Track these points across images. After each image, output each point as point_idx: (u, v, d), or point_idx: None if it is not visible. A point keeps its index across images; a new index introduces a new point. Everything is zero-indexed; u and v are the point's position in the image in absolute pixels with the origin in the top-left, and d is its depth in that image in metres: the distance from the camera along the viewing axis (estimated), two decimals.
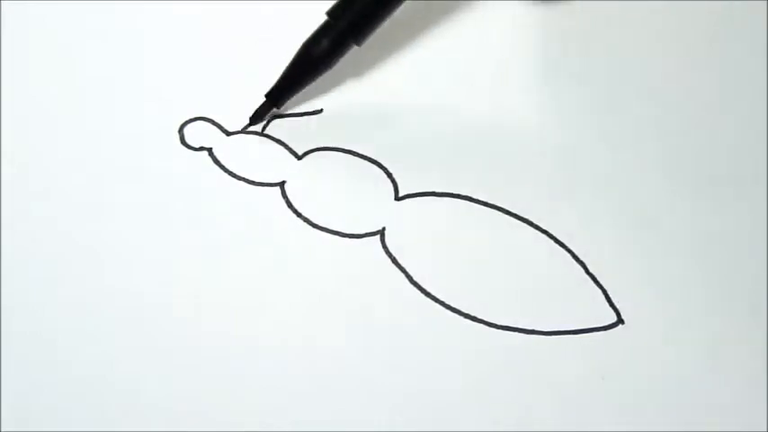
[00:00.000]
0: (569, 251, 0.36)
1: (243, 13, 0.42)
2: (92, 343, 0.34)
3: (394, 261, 0.36)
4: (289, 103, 0.40)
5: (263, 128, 0.39)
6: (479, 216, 0.37)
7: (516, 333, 0.35)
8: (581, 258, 0.36)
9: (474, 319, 0.35)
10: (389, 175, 0.38)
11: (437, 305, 0.35)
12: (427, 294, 0.36)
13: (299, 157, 0.39)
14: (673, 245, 0.36)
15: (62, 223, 0.37)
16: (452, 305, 0.35)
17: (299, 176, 0.38)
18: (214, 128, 0.39)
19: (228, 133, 0.39)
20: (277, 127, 0.39)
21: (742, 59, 0.41)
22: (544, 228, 0.37)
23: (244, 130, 0.39)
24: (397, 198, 0.38)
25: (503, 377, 0.34)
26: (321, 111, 0.40)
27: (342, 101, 0.38)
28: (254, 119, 0.39)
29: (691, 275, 0.36)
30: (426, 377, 0.34)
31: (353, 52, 0.39)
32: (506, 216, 0.37)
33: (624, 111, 0.40)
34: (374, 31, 0.38)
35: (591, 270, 0.36)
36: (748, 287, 0.35)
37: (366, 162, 0.38)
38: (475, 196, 0.37)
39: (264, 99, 0.39)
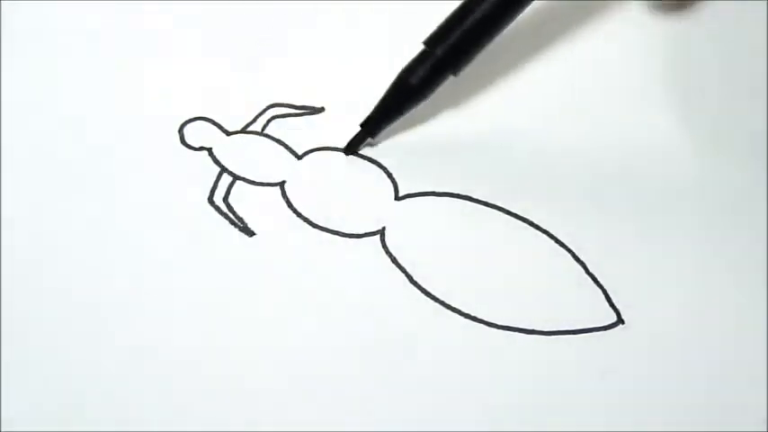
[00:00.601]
0: (569, 251, 0.36)
1: (243, 12, 0.42)
2: (92, 343, 0.34)
3: (394, 261, 0.36)
4: (288, 100, 0.40)
5: (263, 128, 0.39)
6: (479, 216, 0.37)
7: (516, 333, 0.35)
8: (581, 258, 0.36)
9: (474, 319, 0.35)
10: (389, 175, 0.38)
11: (437, 305, 0.35)
12: (427, 294, 0.36)
13: (299, 157, 0.39)
14: (673, 245, 0.36)
15: (62, 223, 0.37)
16: (452, 305, 0.35)
17: (299, 176, 0.38)
18: (214, 128, 0.39)
19: (228, 133, 0.39)
20: (277, 127, 0.39)
21: (742, 59, 0.41)
22: (544, 228, 0.37)
23: (244, 130, 0.39)
24: (397, 198, 0.38)
25: (503, 377, 0.34)
26: (322, 110, 0.40)
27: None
28: (349, 149, 0.38)
29: (691, 275, 0.36)
30: (426, 377, 0.34)
31: (450, 82, 0.38)
32: (506, 216, 0.37)
33: (622, 109, 0.40)
34: (471, 61, 0.38)
35: (591, 270, 0.36)
36: (748, 287, 0.35)
37: (366, 162, 0.38)
38: (475, 196, 0.37)
39: (359, 128, 0.38)
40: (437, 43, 0.37)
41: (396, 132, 0.39)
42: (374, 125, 0.38)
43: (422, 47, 0.37)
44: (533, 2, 0.37)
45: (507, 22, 0.37)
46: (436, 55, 0.37)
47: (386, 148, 0.39)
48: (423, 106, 0.38)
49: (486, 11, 0.37)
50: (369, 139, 0.38)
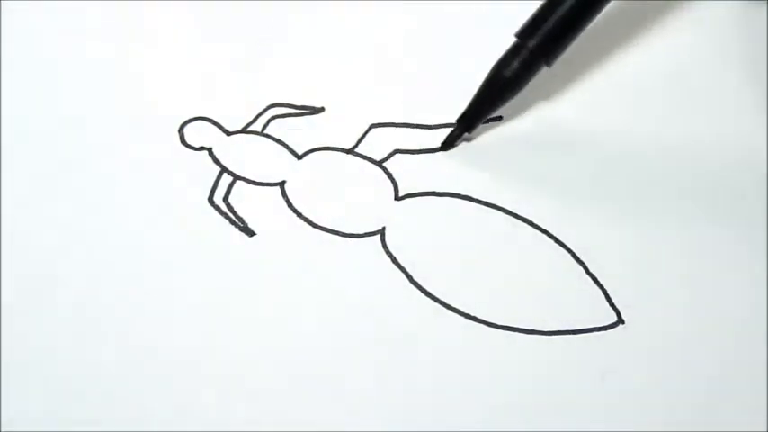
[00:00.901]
0: (569, 251, 0.36)
1: (243, 12, 0.42)
2: (92, 343, 0.34)
3: (394, 261, 0.36)
4: (288, 100, 0.40)
5: (263, 128, 0.39)
6: (479, 216, 0.37)
7: (516, 333, 0.35)
8: (581, 258, 0.36)
9: (474, 319, 0.35)
10: (389, 174, 0.38)
11: (437, 305, 0.35)
12: (427, 294, 0.36)
13: (299, 157, 0.39)
14: (673, 245, 0.36)
15: (61, 223, 0.37)
16: (452, 305, 0.35)
17: (299, 176, 0.38)
18: (214, 128, 0.39)
19: (228, 133, 0.39)
20: (277, 127, 0.39)
21: (742, 59, 0.41)
22: (544, 228, 0.37)
23: (244, 130, 0.39)
24: (397, 198, 0.38)
25: (503, 377, 0.34)
26: (322, 110, 0.40)
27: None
28: (446, 146, 0.38)
29: (691, 275, 0.36)
30: (426, 377, 0.34)
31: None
32: (506, 216, 0.37)
33: (621, 109, 0.40)
34: (564, 52, 0.38)
35: (591, 270, 0.36)
36: (748, 287, 0.35)
37: (366, 162, 0.38)
38: (476, 196, 0.37)
39: (456, 124, 0.38)
40: (529, 35, 0.37)
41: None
42: (471, 120, 0.38)
43: (514, 39, 0.38)
44: None
45: (599, 10, 0.38)
46: (529, 47, 0.37)
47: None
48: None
49: (572, 3, 0.37)
50: (465, 135, 0.38)
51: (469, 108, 0.38)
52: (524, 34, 0.37)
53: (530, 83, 0.38)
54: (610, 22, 0.41)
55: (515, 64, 0.37)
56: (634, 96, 0.40)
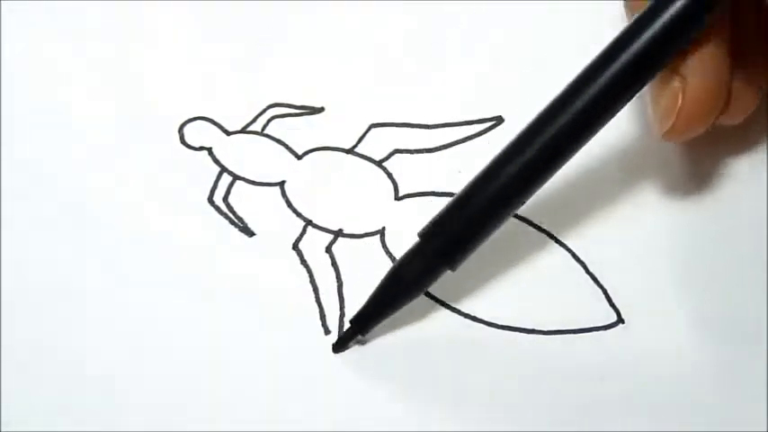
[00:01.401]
0: (569, 251, 0.36)
1: (243, 12, 0.42)
2: (91, 343, 0.34)
3: (394, 261, 0.36)
4: (288, 100, 0.40)
5: (263, 127, 0.39)
6: None
7: (516, 333, 0.35)
8: (581, 258, 0.36)
9: (474, 319, 0.35)
10: (389, 175, 0.38)
11: (437, 305, 0.35)
12: (427, 294, 0.36)
13: (299, 157, 0.39)
14: (673, 244, 0.36)
15: (61, 223, 0.37)
16: (452, 305, 0.35)
17: (299, 176, 0.38)
18: (214, 128, 0.39)
19: (228, 133, 0.39)
20: (277, 127, 0.39)
21: None
22: (544, 228, 0.37)
23: (244, 130, 0.39)
24: (397, 198, 0.38)
25: (503, 377, 0.34)
26: (322, 110, 0.40)
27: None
28: (338, 347, 0.34)
29: (691, 275, 0.36)
30: (426, 377, 0.34)
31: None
32: None
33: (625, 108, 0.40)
34: (470, 255, 0.34)
35: (591, 270, 0.36)
36: (748, 287, 0.35)
37: (366, 162, 0.38)
38: None
39: (350, 325, 0.34)
40: (431, 237, 0.34)
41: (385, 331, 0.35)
42: (365, 322, 0.34)
43: (416, 239, 0.34)
44: (538, 190, 0.34)
45: (509, 214, 0.34)
46: (431, 248, 0.33)
47: None
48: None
49: (485, 200, 0.33)
50: (359, 336, 0.34)
51: (364, 310, 0.34)
52: (426, 235, 0.34)
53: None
54: None
55: (416, 265, 0.34)
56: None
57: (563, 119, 0.33)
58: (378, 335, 0.35)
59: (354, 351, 0.34)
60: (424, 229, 0.34)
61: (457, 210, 0.33)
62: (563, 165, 0.33)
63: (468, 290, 0.36)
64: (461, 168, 0.38)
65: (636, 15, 0.33)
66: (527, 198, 0.34)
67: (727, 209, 0.37)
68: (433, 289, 0.35)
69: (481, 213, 0.33)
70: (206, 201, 0.37)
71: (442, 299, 0.35)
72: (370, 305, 0.34)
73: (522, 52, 0.41)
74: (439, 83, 0.40)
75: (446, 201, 0.37)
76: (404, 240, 0.36)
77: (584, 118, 0.33)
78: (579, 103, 0.33)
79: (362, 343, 0.34)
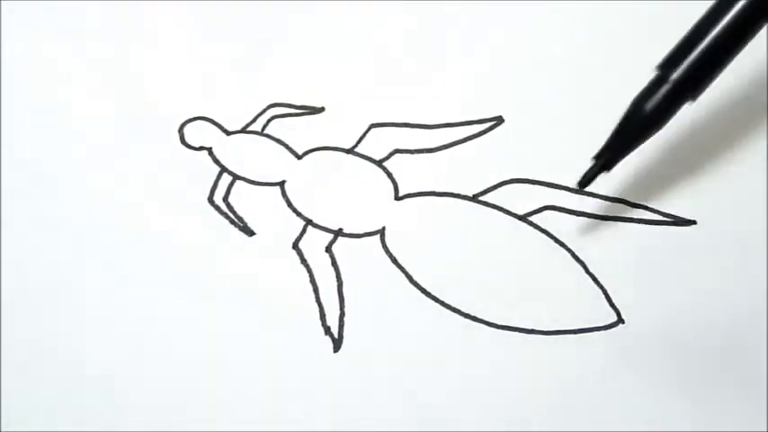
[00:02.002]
0: (569, 251, 0.36)
1: (243, 12, 0.42)
2: (91, 343, 0.34)
3: (394, 261, 0.36)
4: (288, 100, 0.40)
5: (263, 127, 0.39)
6: (479, 216, 0.37)
7: (516, 333, 0.35)
8: (581, 258, 0.36)
9: (474, 318, 0.35)
10: (389, 175, 0.38)
11: (437, 305, 0.35)
12: (427, 294, 0.36)
13: (299, 157, 0.39)
14: (673, 244, 0.36)
15: (61, 223, 0.37)
16: (452, 305, 0.35)
17: (299, 176, 0.38)
18: (214, 128, 0.39)
19: (228, 133, 0.39)
20: (277, 127, 0.39)
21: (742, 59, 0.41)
22: (544, 228, 0.37)
23: (244, 130, 0.39)
24: (397, 198, 0.38)
25: (503, 377, 0.34)
26: (322, 110, 0.40)
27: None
28: (583, 183, 0.35)
29: (691, 275, 0.36)
30: (426, 377, 0.34)
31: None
32: (506, 216, 0.37)
33: (621, 109, 0.40)
34: (710, 84, 0.34)
35: (591, 270, 0.36)
36: (748, 287, 0.35)
37: (366, 162, 0.38)
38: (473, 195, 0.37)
39: (593, 161, 0.34)
40: (671, 68, 0.34)
41: None
42: (610, 157, 0.34)
43: (655, 71, 0.34)
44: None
45: (749, 38, 0.34)
46: (672, 80, 0.34)
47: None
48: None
49: (720, 32, 0.33)
50: (605, 171, 0.35)
51: (608, 144, 0.34)
52: (666, 66, 0.34)
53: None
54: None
55: (657, 98, 0.34)
56: (634, 96, 0.40)
57: None
58: (378, 334, 0.35)
59: (355, 351, 0.34)
60: (663, 61, 0.34)
61: (692, 43, 0.33)
62: None
63: (468, 290, 0.36)
64: (461, 168, 0.38)
65: None
66: (758, 29, 0.34)
67: (726, 208, 0.37)
68: (433, 289, 0.35)
69: (717, 45, 0.33)
70: (206, 201, 0.37)
71: (443, 299, 0.35)
72: (612, 140, 0.34)
73: (522, 52, 0.41)
74: (439, 83, 0.40)
75: (446, 201, 0.37)
76: (404, 240, 0.36)
77: None
78: None
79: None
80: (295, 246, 0.36)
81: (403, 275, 0.36)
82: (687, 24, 0.41)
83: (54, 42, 0.41)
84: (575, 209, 0.37)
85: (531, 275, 0.36)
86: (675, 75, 0.33)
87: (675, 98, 0.34)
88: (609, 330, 0.35)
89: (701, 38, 0.33)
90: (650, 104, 0.34)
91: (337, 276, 0.36)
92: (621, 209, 0.37)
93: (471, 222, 0.37)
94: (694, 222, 0.37)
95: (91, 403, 0.33)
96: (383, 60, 0.41)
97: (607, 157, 0.34)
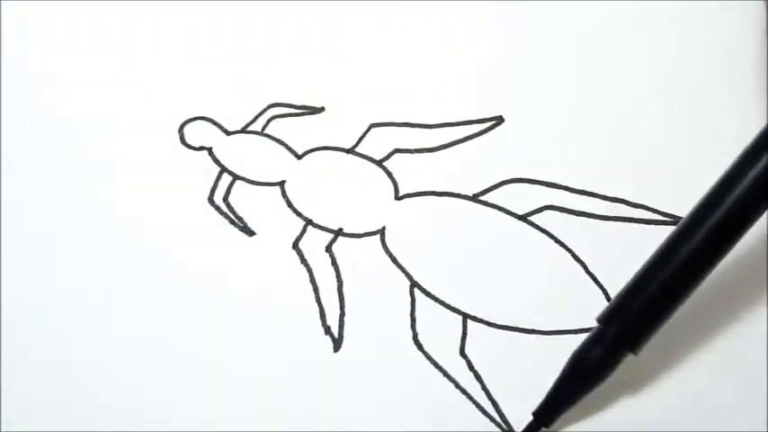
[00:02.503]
0: (569, 251, 0.36)
1: (244, 12, 0.42)
2: (92, 343, 0.34)
3: (394, 261, 0.36)
4: (288, 100, 0.40)
5: (263, 127, 0.39)
6: (479, 216, 0.37)
7: (516, 333, 0.35)
8: (581, 258, 0.36)
9: (474, 318, 0.35)
10: (389, 174, 0.38)
11: (437, 305, 0.35)
12: (427, 294, 0.36)
13: (299, 157, 0.39)
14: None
15: (61, 223, 0.37)
16: (452, 305, 0.35)
17: (299, 176, 0.38)
18: (214, 128, 0.39)
19: (228, 133, 0.39)
20: (277, 127, 0.39)
21: (742, 59, 0.41)
22: (544, 228, 0.37)
23: (244, 130, 0.39)
24: (397, 198, 0.38)
25: (503, 377, 0.34)
26: (322, 110, 0.40)
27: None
28: None
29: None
30: (426, 377, 0.34)
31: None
32: (506, 216, 0.37)
33: (621, 109, 0.40)
34: (652, 337, 0.33)
35: (591, 270, 0.36)
36: (748, 286, 0.35)
37: (366, 162, 0.38)
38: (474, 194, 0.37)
39: (532, 417, 0.33)
40: (614, 321, 0.33)
41: None
42: (549, 414, 0.33)
43: (596, 324, 0.33)
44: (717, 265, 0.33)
45: (688, 295, 0.33)
46: (612, 333, 0.33)
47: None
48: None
49: (664, 283, 0.33)
50: (543, 429, 0.33)
51: (547, 401, 0.33)
52: (606, 320, 0.33)
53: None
54: None
55: (597, 353, 0.33)
56: (634, 96, 0.40)
57: (730, 201, 0.32)
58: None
59: (355, 351, 0.34)
60: (602, 315, 0.33)
61: (634, 294, 0.33)
62: (735, 243, 0.33)
63: (468, 290, 0.35)
64: (461, 168, 0.38)
65: None
66: (702, 279, 0.33)
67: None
68: (433, 289, 0.35)
69: (659, 296, 0.33)
70: (206, 201, 0.37)
71: (443, 299, 0.35)
72: (552, 396, 0.33)
73: (522, 52, 0.41)
74: (439, 83, 0.40)
75: (446, 201, 0.37)
76: (404, 240, 0.36)
77: (753, 197, 0.32)
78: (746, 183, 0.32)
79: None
80: (295, 246, 0.36)
81: (403, 275, 0.36)
82: (687, 24, 0.42)
83: (54, 42, 0.41)
84: (575, 209, 0.37)
85: (530, 275, 0.36)
86: (615, 330, 0.33)
87: (616, 353, 0.33)
88: None
89: (640, 292, 0.33)
90: (592, 360, 0.33)
91: (337, 276, 0.36)
92: (621, 209, 0.37)
93: (471, 222, 0.37)
94: None
95: (91, 403, 0.33)
96: (383, 60, 0.41)
97: (547, 414, 0.33)
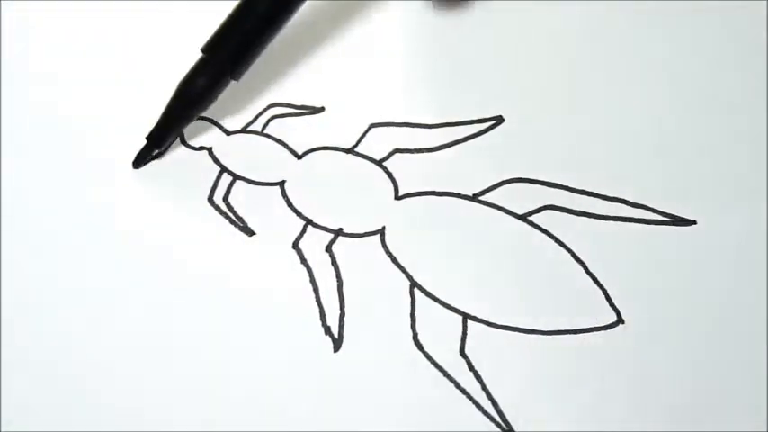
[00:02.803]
0: (569, 251, 0.36)
1: None
2: (92, 343, 0.34)
3: (394, 261, 0.36)
4: (288, 100, 0.40)
5: (263, 127, 0.39)
6: (479, 216, 0.37)
7: (516, 333, 0.35)
8: (581, 258, 0.36)
9: (474, 318, 0.35)
10: (389, 174, 0.38)
11: (437, 305, 0.35)
12: (427, 294, 0.36)
13: (299, 157, 0.39)
14: (672, 244, 0.36)
15: (61, 222, 0.37)
16: (452, 305, 0.35)
17: (299, 176, 0.38)
18: (214, 128, 0.39)
19: (228, 133, 0.39)
20: (277, 126, 0.39)
21: (742, 59, 0.41)
22: (544, 228, 0.37)
23: (244, 130, 0.39)
24: (397, 198, 0.38)
25: (502, 377, 0.34)
26: (322, 110, 0.40)
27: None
28: (137, 163, 0.38)
29: (690, 275, 0.36)
30: (426, 377, 0.34)
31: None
32: (506, 216, 0.37)
33: (621, 109, 0.40)
34: (252, 64, 0.38)
35: (591, 270, 0.36)
36: (748, 286, 0.35)
37: (366, 162, 0.38)
38: (474, 194, 0.37)
39: (145, 140, 0.38)
40: (215, 49, 0.38)
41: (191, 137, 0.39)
42: (159, 136, 0.38)
43: (200, 54, 0.38)
44: (305, 2, 0.38)
45: (283, 24, 0.38)
46: (215, 62, 0.37)
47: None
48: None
49: (260, 14, 0.38)
50: (156, 151, 0.38)
51: (158, 125, 0.38)
52: (210, 49, 0.38)
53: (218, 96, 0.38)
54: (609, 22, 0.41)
55: (201, 81, 0.37)
56: (634, 96, 0.40)
57: None
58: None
59: (355, 351, 0.34)
60: (206, 46, 0.38)
61: (234, 24, 0.38)
62: None
63: (468, 290, 0.36)
64: (461, 168, 0.38)
65: None
66: (296, 10, 0.38)
67: (726, 209, 0.37)
68: (433, 289, 0.35)
69: (258, 25, 0.38)
70: (206, 201, 0.37)
71: (443, 299, 0.35)
72: (162, 121, 0.38)
73: (523, 52, 0.41)
74: (439, 83, 0.40)
75: (446, 201, 0.37)
76: (404, 240, 0.36)
77: None
78: None
79: (159, 157, 0.38)
80: (295, 246, 0.37)
81: (403, 275, 0.36)
82: (687, 24, 0.42)
83: (54, 42, 0.41)
84: (575, 209, 0.37)
85: (530, 275, 0.36)
86: (218, 57, 0.37)
87: (219, 79, 0.38)
88: (609, 330, 0.35)
89: (241, 22, 0.38)
90: (196, 86, 0.37)
91: (337, 276, 0.36)
92: (621, 209, 0.37)
93: (471, 222, 0.37)
94: (694, 222, 0.37)
95: (91, 403, 0.33)
96: (383, 60, 0.41)
97: (157, 137, 0.38)
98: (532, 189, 0.37)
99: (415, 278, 0.36)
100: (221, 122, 0.39)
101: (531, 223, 0.37)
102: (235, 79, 0.38)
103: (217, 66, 0.37)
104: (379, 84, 0.40)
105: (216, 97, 0.38)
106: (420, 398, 0.34)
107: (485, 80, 0.40)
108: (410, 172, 0.38)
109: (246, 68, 0.38)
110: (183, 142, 0.39)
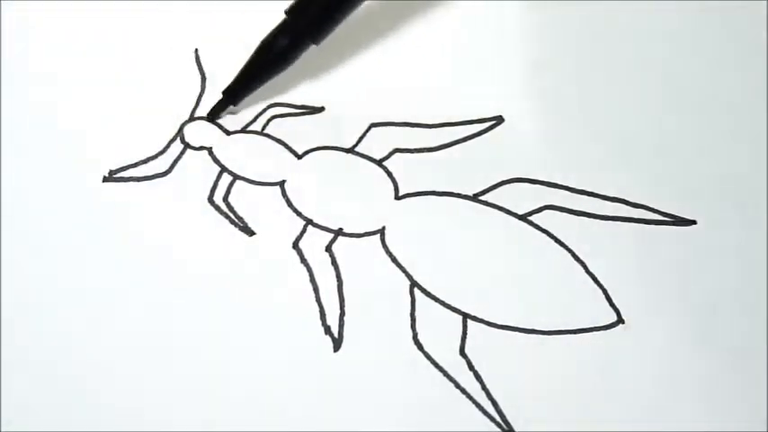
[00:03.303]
0: (569, 251, 0.36)
1: (243, 12, 0.42)
2: (92, 343, 0.34)
3: (394, 261, 0.36)
4: (287, 100, 0.40)
5: (263, 127, 0.39)
6: (479, 216, 0.37)
7: (516, 333, 0.35)
8: (581, 258, 0.36)
9: (474, 318, 0.35)
10: (389, 174, 0.38)
11: (437, 305, 0.35)
12: (427, 294, 0.36)
13: (299, 157, 0.39)
14: (672, 244, 0.36)
15: (61, 222, 0.37)
16: (452, 305, 0.35)
17: (299, 176, 0.38)
18: (214, 127, 0.39)
19: (228, 133, 0.39)
20: (277, 126, 0.39)
21: (742, 59, 0.41)
22: (544, 228, 0.37)
23: (244, 130, 0.39)
24: (398, 197, 0.38)
25: (503, 377, 0.34)
26: (322, 110, 0.40)
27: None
28: (212, 115, 0.39)
29: (691, 275, 0.36)
30: (426, 377, 0.34)
31: (312, 51, 0.39)
32: (506, 216, 0.37)
33: (621, 109, 0.40)
34: (333, 30, 0.39)
35: (591, 270, 0.36)
36: (748, 287, 0.35)
37: (366, 161, 0.38)
38: (475, 194, 0.37)
39: (221, 96, 0.39)
40: (298, 13, 0.38)
41: (258, 100, 0.40)
42: (236, 93, 0.39)
43: (283, 15, 0.39)
44: None
45: None
46: (297, 24, 0.38)
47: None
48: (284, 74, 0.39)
49: None
50: (231, 107, 0.39)
51: (236, 81, 0.39)
52: (294, 11, 0.39)
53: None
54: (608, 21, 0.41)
55: (283, 41, 0.38)
56: (634, 96, 0.40)
57: None
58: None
59: (355, 351, 0.34)
60: (290, 7, 0.38)
61: None
62: None
63: (468, 290, 0.36)
64: (461, 168, 0.38)
65: None
66: None
67: (726, 209, 0.37)
68: (433, 289, 0.35)
69: None
70: (206, 201, 0.37)
71: (443, 299, 0.35)
72: (240, 77, 0.39)
73: (522, 52, 0.41)
74: (439, 83, 0.40)
75: (446, 201, 0.37)
76: (404, 240, 0.36)
77: None
78: None
79: (234, 113, 0.39)
80: (295, 246, 0.37)
81: (403, 275, 0.36)
82: (686, 24, 0.42)
83: (54, 42, 0.41)
84: (575, 209, 0.37)
85: (530, 275, 0.36)
86: (301, 20, 0.38)
87: (299, 41, 0.39)
88: (609, 330, 0.35)
89: None
90: (276, 47, 0.38)
91: (337, 276, 0.36)
92: (621, 209, 0.37)
93: (471, 222, 0.37)
94: (694, 222, 0.37)
95: (91, 403, 0.33)
96: (383, 60, 0.41)
97: (234, 93, 0.39)
98: (532, 189, 0.37)
99: (415, 278, 0.36)
100: (221, 122, 0.39)
101: (531, 223, 0.37)
102: (315, 43, 0.39)
103: (299, 28, 0.38)
104: (379, 84, 0.40)
105: (295, 59, 0.39)
106: (420, 398, 0.34)
107: (485, 80, 0.40)
108: (410, 172, 0.38)
109: (327, 33, 0.39)
110: (183, 142, 0.39)
